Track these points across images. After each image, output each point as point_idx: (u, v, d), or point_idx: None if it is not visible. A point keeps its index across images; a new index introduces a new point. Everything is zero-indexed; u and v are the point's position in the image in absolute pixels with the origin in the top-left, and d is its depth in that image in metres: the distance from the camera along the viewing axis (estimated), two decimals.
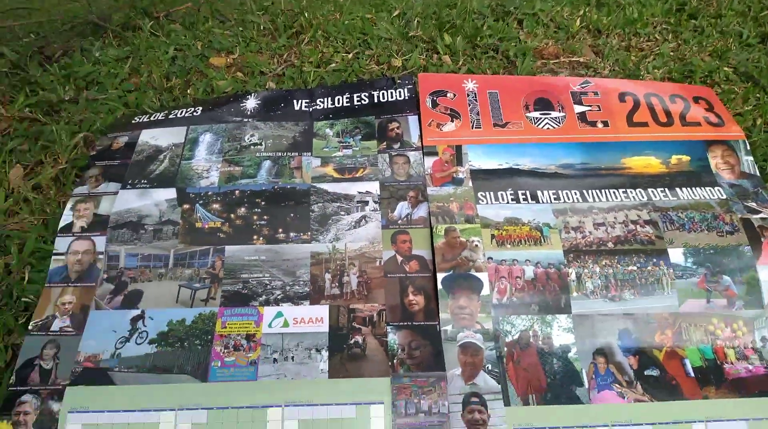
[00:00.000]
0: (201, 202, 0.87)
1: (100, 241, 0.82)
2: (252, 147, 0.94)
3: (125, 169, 0.91)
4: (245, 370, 0.71)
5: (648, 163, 0.91)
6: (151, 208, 0.86)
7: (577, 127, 0.96)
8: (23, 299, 0.79)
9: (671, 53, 1.18)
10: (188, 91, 1.10)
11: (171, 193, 0.88)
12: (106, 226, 0.84)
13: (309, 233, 0.84)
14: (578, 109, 0.98)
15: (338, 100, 1.03)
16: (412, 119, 0.98)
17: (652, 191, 0.87)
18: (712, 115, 0.97)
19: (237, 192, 0.88)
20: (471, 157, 0.92)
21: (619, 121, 0.96)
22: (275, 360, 0.72)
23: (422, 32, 1.22)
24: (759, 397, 0.70)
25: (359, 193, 0.88)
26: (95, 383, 0.70)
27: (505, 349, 0.74)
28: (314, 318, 0.76)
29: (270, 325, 0.75)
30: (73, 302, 0.77)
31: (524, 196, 0.87)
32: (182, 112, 1.01)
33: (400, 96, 1.02)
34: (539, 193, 0.87)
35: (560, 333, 0.75)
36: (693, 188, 0.88)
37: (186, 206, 0.86)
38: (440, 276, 0.78)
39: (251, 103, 1.02)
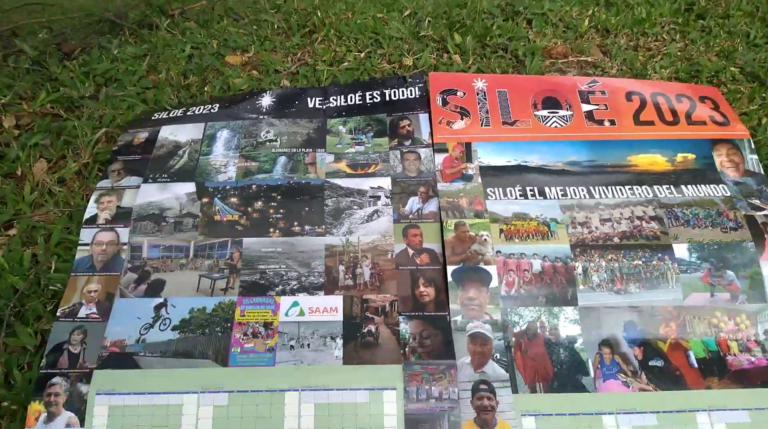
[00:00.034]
0: (219, 195, 0.90)
1: (124, 233, 0.86)
2: (268, 143, 0.97)
3: (146, 164, 0.94)
4: (264, 356, 0.74)
5: (654, 160, 0.93)
6: (172, 202, 0.89)
7: (585, 125, 0.98)
8: (51, 287, 0.82)
9: (678, 53, 1.20)
10: (205, 88, 1.13)
11: (190, 187, 0.91)
12: (129, 218, 0.87)
13: (323, 226, 0.87)
14: (586, 107, 1.00)
15: (351, 98, 1.06)
16: (423, 117, 1.01)
17: (658, 188, 0.90)
18: (718, 115, 0.99)
19: (254, 186, 0.91)
20: (480, 154, 0.94)
21: (625, 119, 0.98)
22: (292, 347, 0.75)
23: (433, 32, 1.24)
24: (761, 388, 0.73)
25: (371, 188, 0.91)
26: (121, 367, 0.73)
27: (513, 339, 0.76)
28: (329, 307, 0.79)
29: (287, 314, 0.78)
30: (99, 290, 0.80)
31: (532, 192, 0.89)
32: (200, 109, 1.04)
33: (411, 94, 1.05)
34: (547, 189, 0.90)
35: (567, 324, 0.77)
36: (698, 185, 0.90)
37: (205, 200, 0.90)
38: (450, 268, 0.81)
39: (266, 100, 1.05)
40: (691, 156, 0.94)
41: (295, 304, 0.79)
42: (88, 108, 1.09)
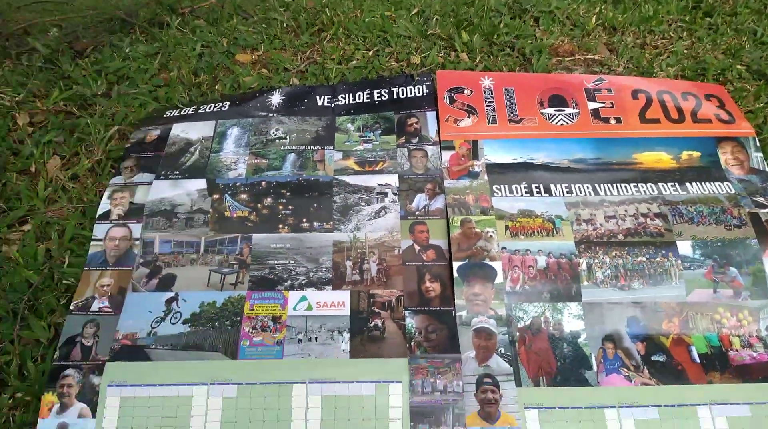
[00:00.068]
0: (229, 192, 0.92)
1: (136, 228, 0.88)
2: (277, 141, 0.99)
3: (158, 161, 0.96)
4: (272, 349, 0.76)
5: (659, 158, 0.94)
6: (183, 198, 0.91)
7: (590, 123, 0.99)
8: (64, 282, 0.84)
9: (685, 51, 1.20)
10: (216, 86, 1.15)
11: (201, 183, 0.93)
12: (141, 214, 0.89)
13: (331, 223, 0.88)
14: (592, 105, 1.01)
15: (359, 96, 1.07)
16: (430, 115, 1.02)
17: (663, 186, 0.90)
18: (723, 113, 0.99)
19: (263, 183, 0.93)
20: (487, 151, 0.95)
21: (631, 117, 0.99)
22: (300, 340, 0.76)
23: (440, 30, 1.25)
24: (762, 383, 0.73)
25: (379, 185, 0.93)
26: (133, 359, 0.75)
27: (518, 333, 0.77)
28: (336, 302, 0.80)
29: (295, 308, 0.79)
30: (111, 284, 0.82)
31: (538, 190, 0.90)
32: (211, 107, 1.05)
33: (418, 92, 1.06)
34: (552, 186, 0.91)
35: (570, 319, 0.78)
36: (702, 183, 0.91)
37: (215, 196, 0.91)
38: (456, 264, 0.82)
39: (276, 98, 1.07)
40: (696, 154, 0.94)
41: (303, 298, 0.80)
42: (100, 106, 1.11)
